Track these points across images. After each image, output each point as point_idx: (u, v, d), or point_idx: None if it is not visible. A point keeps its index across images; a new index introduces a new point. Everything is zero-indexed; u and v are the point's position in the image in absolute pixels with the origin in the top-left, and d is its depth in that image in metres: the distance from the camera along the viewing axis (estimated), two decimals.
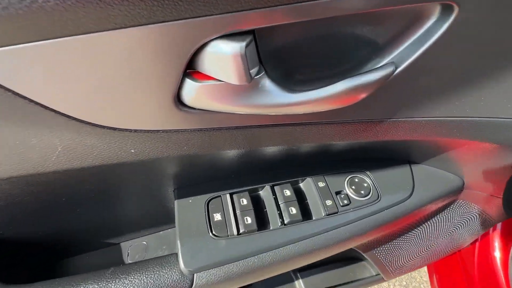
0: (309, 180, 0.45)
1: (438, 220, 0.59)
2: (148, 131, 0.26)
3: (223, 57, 0.21)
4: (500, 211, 0.60)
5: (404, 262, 0.65)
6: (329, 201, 0.43)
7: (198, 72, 0.23)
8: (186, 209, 0.41)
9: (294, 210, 0.42)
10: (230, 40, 0.21)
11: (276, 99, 0.25)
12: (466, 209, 0.59)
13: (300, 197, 0.44)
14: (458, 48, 0.27)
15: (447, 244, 0.66)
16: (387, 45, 0.27)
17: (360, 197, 0.44)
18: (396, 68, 0.27)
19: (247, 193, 0.43)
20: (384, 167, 0.48)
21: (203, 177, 0.43)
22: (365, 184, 0.45)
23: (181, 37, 0.20)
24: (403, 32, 0.27)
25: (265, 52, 0.25)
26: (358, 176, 0.46)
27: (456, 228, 0.62)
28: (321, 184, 0.44)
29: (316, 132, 0.32)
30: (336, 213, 0.42)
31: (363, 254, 0.60)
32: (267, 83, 0.25)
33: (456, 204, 0.58)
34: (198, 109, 0.26)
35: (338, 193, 0.44)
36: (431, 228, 0.59)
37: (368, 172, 0.47)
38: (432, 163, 0.49)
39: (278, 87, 0.25)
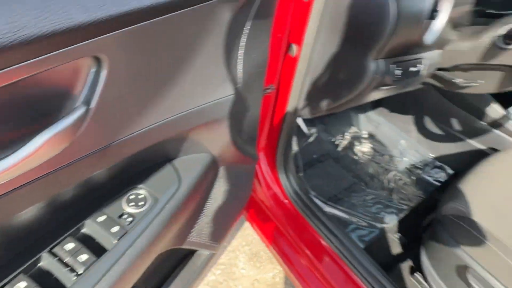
0: (88, 222, 0.46)
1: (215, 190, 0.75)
2: None
3: None
4: (237, 155, 0.82)
5: (217, 231, 0.80)
6: (115, 228, 0.46)
7: None
8: None
9: (85, 256, 0.42)
10: None
11: None
12: (225, 171, 0.79)
13: (87, 242, 0.45)
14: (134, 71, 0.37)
15: (236, 203, 0.86)
16: (68, 98, 0.33)
17: (141, 208, 0.51)
18: (89, 105, 0.34)
19: (22, 276, 0.39)
20: (152, 174, 0.56)
21: None
22: (141, 196, 0.52)
23: None
24: (75, 85, 0.33)
25: None
26: (133, 192, 0.52)
27: (230, 188, 0.82)
28: (102, 219, 0.47)
29: (44, 186, 0.34)
30: (126, 232, 0.47)
31: (184, 247, 0.69)
32: None
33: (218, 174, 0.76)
34: None
35: (121, 216, 0.49)
36: (216, 196, 0.76)
37: (140, 185, 0.54)
38: (184, 152, 0.63)
39: None
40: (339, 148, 1.61)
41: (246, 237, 1.53)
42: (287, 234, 1.20)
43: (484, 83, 0.90)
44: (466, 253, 0.83)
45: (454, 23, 0.81)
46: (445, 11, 0.65)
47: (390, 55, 0.79)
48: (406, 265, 1.13)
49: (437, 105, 1.45)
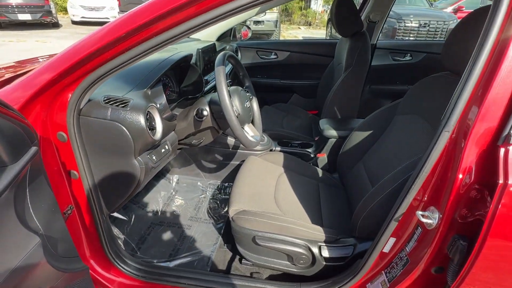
0: None
1: None
2: None
3: None
4: (67, 276, 1.00)
5: None
6: None
7: None
8: None
9: None
10: None
11: None
12: None
13: None
14: None
15: None
16: None
17: None
18: None
19: None
20: None
21: None
22: None
23: None
24: None
25: None
26: None
27: None
28: None
29: None
30: None
31: None
32: None
33: None
34: None
35: None
36: None
37: None
38: None
39: None
40: (159, 214, 1.94)
41: None
42: None
43: (205, 139, 1.54)
44: (250, 230, 1.39)
45: (169, 119, 1.37)
46: (158, 128, 1.17)
47: (144, 151, 1.22)
48: (237, 260, 1.62)
49: (204, 151, 2.10)
